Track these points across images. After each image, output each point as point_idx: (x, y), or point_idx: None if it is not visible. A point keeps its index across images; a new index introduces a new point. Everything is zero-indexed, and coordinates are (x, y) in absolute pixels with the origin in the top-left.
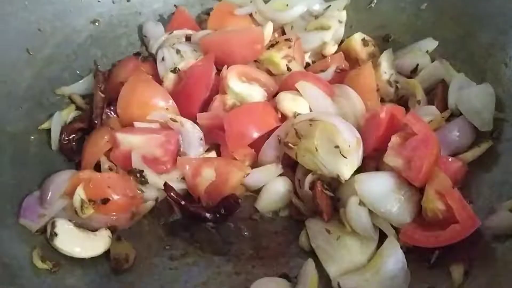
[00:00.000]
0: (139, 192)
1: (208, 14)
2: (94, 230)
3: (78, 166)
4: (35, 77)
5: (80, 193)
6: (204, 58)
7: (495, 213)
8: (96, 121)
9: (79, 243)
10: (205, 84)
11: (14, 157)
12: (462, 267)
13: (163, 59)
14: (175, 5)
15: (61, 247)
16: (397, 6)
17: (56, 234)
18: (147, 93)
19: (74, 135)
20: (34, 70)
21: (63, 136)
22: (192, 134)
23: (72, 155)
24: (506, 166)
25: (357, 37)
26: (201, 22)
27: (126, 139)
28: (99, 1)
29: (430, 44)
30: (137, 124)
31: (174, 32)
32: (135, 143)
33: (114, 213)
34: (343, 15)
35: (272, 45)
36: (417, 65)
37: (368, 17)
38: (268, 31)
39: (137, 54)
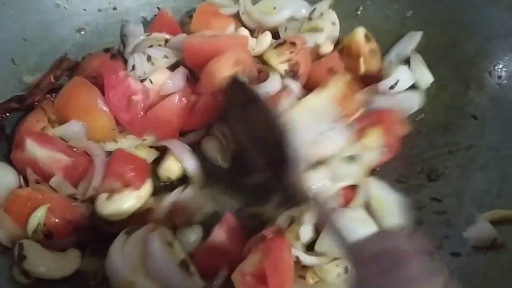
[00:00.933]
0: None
1: (191, 17)
2: (62, 250)
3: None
4: (20, 87)
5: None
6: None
7: (475, 224)
8: (27, 99)
9: (48, 264)
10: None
11: None
12: (442, 280)
13: (133, 68)
14: (158, 8)
15: (31, 269)
16: (382, 13)
17: (24, 257)
18: (86, 99)
19: (7, 114)
20: (18, 79)
21: None
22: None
23: (1, 134)
24: (488, 176)
25: (360, 31)
26: (183, 25)
27: (33, 147)
28: (84, 10)
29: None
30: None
31: (153, 34)
32: (39, 155)
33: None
34: (335, 16)
35: (279, 44)
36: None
37: (354, 25)
38: (267, 41)
39: (107, 50)
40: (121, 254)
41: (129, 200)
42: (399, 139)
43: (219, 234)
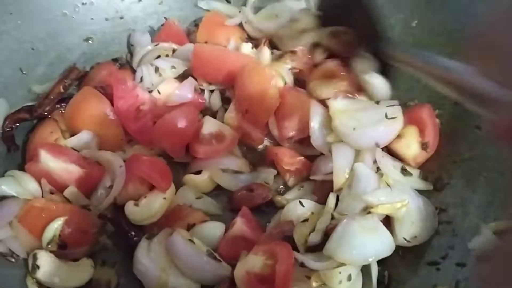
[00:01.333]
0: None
1: (197, 26)
2: (75, 260)
3: (23, 160)
4: (29, 97)
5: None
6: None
7: (480, 235)
8: (37, 109)
9: (62, 275)
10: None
11: None
12: None
13: (141, 79)
14: (165, 17)
15: (44, 279)
16: (387, 23)
17: (38, 267)
18: (95, 109)
19: (17, 124)
20: (27, 89)
21: (6, 123)
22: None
23: (11, 144)
24: (493, 186)
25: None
26: (189, 34)
27: (46, 159)
28: (92, 19)
29: None
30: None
31: (160, 44)
32: (53, 167)
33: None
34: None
35: (280, 56)
36: None
37: None
38: (266, 55)
39: (116, 60)
40: (148, 258)
41: (156, 203)
42: (437, 136)
43: (240, 226)
